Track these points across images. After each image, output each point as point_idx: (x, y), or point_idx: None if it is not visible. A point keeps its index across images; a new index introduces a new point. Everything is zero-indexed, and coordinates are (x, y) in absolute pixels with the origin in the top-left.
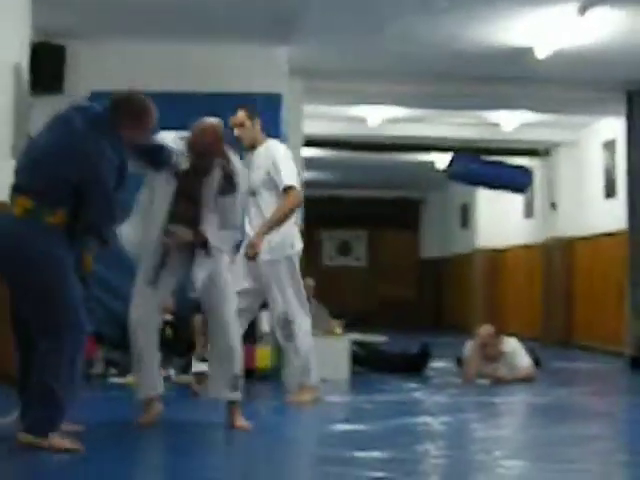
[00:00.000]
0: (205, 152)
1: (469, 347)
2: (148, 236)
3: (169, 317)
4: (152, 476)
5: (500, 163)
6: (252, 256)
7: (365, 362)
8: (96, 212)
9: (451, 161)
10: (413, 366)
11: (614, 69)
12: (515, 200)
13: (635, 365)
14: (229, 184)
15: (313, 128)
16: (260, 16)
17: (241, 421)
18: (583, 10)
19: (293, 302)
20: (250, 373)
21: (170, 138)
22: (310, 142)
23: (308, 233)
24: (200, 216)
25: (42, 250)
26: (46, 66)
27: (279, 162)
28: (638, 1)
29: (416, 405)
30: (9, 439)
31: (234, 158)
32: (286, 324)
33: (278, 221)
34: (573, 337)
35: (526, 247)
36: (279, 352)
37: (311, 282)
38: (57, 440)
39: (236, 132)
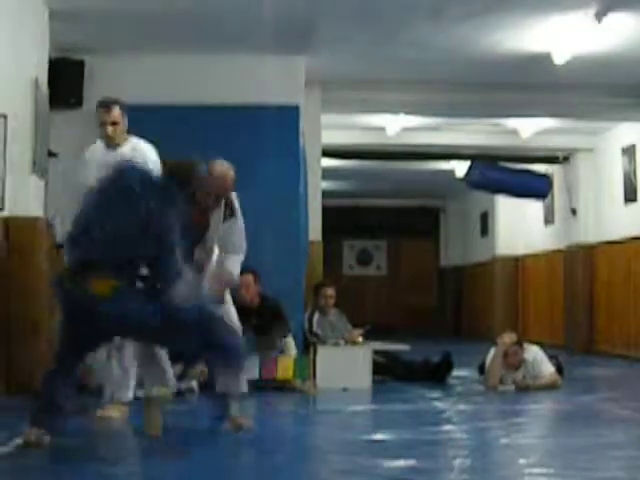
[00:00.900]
0: (224, 195)
1: (491, 355)
2: None
3: None
4: None
5: (519, 170)
6: None
7: (387, 371)
8: (168, 276)
9: (469, 169)
10: (435, 375)
11: (632, 74)
12: (535, 207)
13: None
14: (230, 211)
15: (331, 138)
16: (276, 27)
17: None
18: (600, 16)
19: None
20: (272, 383)
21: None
22: (329, 152)
23: (328, 243)
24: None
25: (140, 318)
26: (65, 81)
27: (150, 162)
28: None
29: (439, 414)
30: None
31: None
32: None
33: None
34: (596, 344)
35: (547, 254)
36: (301, 362)
37: (332, 291)
38: None
39: (109, 130)
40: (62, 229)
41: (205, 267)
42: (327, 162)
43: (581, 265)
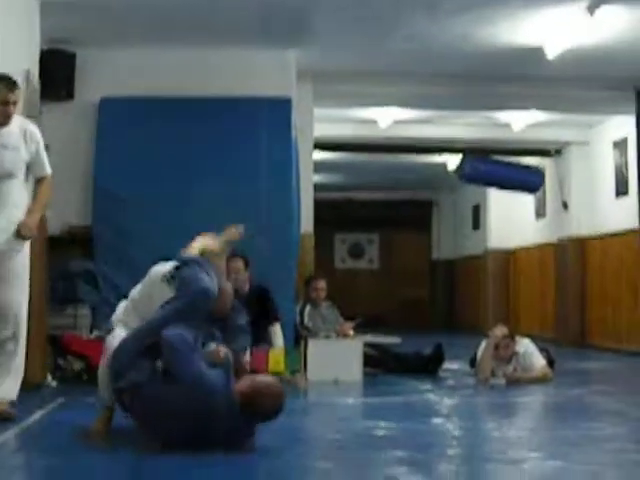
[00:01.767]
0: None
1: (483, 348)
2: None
3: None
4: None
5: (511, 163)
6: (28, 237)
7: (378, 363)
8: None
9: (461, 162)
10: (427, 367)
11: (624, 67)
12: (526, 200)
13: None
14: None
15: (323, 131)
16: (268, 20)
17: None
18: (592, 9)
19: (24, 303)
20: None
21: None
22: (321, 145)
23: (319, 236)
24: None
25: None
26: (56, 73)
27: (41, 147)
28: None
29: (430, 406)
30: None
31: None
32: (17, 328)
33: (44, 208)
34: (587, 337)
35: (538, 247)
36: (292, 355)
37: (323, 284)
38: None
39: (11, 110)
40: None
41: None
42: (319, 155)
43: (573, 258)
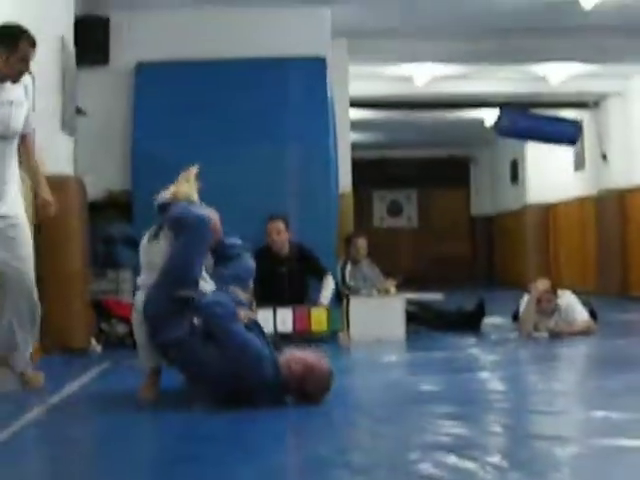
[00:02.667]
0: None
1: (525, 302)
2: None
3: None
4: None
5: (548, 117)
6: (50, 215)
7: (421, 320)
8: None
9: (499, 117)
10: (469, 323)
11: None
12: (565, 153)
13: None
14: None
15: (359, 89)
16: None
17: None
18: None
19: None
20: (306, 336)
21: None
22: (357, 103)
23: (358, 195)
24: None
25: None
26: (91, 38)
27: (30, 101)
28: None
29: (474, 361)
30: None
31: None
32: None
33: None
34: (629, 288)
35: (578, 200)
36: (334, 313)
37: (363, 242)
38: None
39: (30, 67)
40: None
41: None
42: (355, 113)
43: (613, 210)
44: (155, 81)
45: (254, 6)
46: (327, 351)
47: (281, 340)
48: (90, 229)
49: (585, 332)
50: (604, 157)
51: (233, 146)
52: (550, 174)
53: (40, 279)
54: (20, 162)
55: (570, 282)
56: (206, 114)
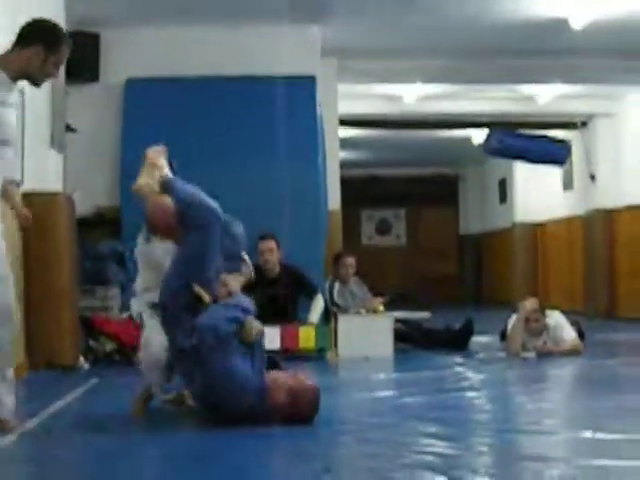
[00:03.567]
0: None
1: (513, 321)
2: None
3: None
4: None
5: (537, 136)
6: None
7: (408, 339)
8: None
9: (488, 136)
10: (457, 342)
11: None
12: (553, 173)
13: None
14: None
15: (348, 108)
16: None
17: None
18: None
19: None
20: (294, 353)
21: None
22: (346, 122)
23: (346, 213)
24: None
25: None
26: (81, 55)
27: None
28: None
29: (462, 380)
30: None
31: None
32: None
33: None
34: (616, 309)
35: (566, 220)
36: (322, 331)
37: (352, 261)
38: None
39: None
40: None
41: None
42: (344, 132)
43: (601, 230)
44: (144, 98)
45: (244, 24)
46: (315, 369)
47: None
48: (79, 245)
49: (573, 352)
50: (592, 177)
51: (222, 163)
52: (539, 193)
53: (28, 295)
54: None
55: (558, 302)
56: (195, 131)
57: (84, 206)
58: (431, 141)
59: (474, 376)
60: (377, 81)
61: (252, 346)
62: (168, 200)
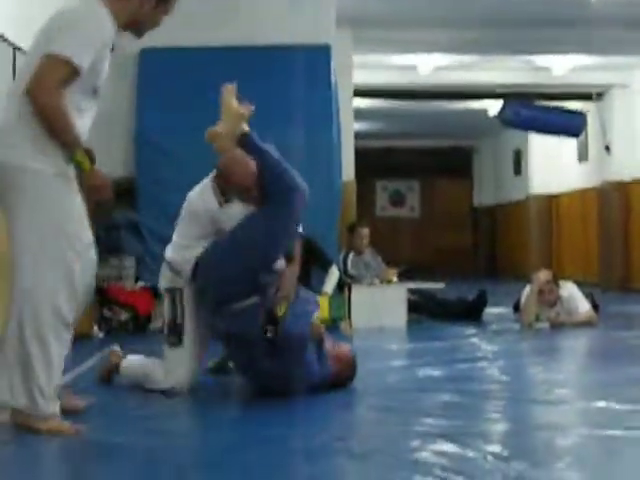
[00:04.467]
0: None
1: (526, 292)
2: None
3: None
4: None
5: (553, 108)
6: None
7: (422, 309)
8: None
9: (503, 107)
10: (470, 313)
11: None
12: (568, 144)
13: None
14: None
15: (363, 78)
16: None
17: None
18: None
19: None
20: None
21: None
22: (360, 92)
23: (360, 184)
24: None
25: None
26: None
27: None
28: None
29: (475, 351)
30: None
31: None
32: None
33: None
34: (631, 281)
35: (581, 192)
36: (336, 302)
37: (366, 231)
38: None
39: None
40: None
41: None
42: (359, 102)
43: (616, 202)
44: (159, 68)
45: None
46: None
47: None
48: (93, 216)
49: (586, 323)
50: (607, 149)
51: None
52: (553, 165)
53: None
54: None
55: (572, 274)
56: (210, 101)
57: None
58: (446, 112)
59: (487, 347)
60: (392, 51)
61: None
62: (248, 157)
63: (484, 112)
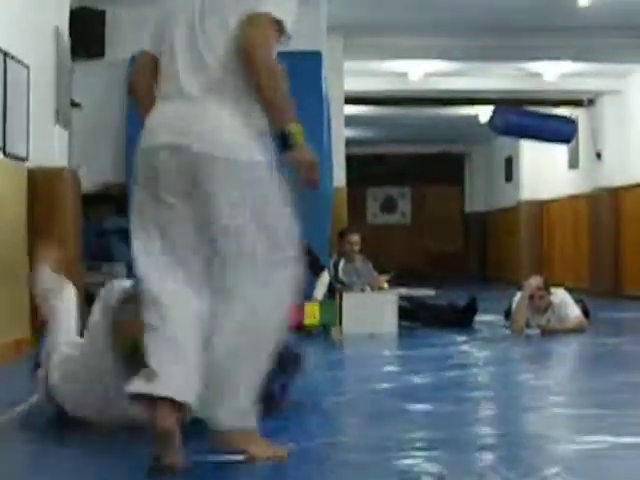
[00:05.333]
0: None
1: (517, 299)
2: None
3: None
4: None
5: (544, 114)
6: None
7: (413, 316)
8: None
9: (493, 114)
10: (461, 319)
11: None
12: (559, 151)
13: None
14: None
15: (354, 85)
16: None
17: None
18: None
19: None
20: (298, 329)
21: None
22: (351, 99)
23: (352, 191)
24: None
25: None
26: (86, 31)
27: None
28: None
29: (465, 358)
30: None
31: None
32: None
33: None
34: (622, 287)
35: (572, 198)
36: (327, 308)
37: (357, 238)
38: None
39: None
40: None
41: None
42: (350, 109)
43: (607, 209)
44: None
45: None
46: (319, 345)
47: None
48: (84, 222)
49: (577, 330)
50: (598, 155)
51: None
52: (544, 172)
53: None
54: None
55: (563, 280)
56: None
57: (89, 182)
58: (437, 119)
59: (478, 354)
60: (383, 58)
61: None
62: None
63: (475, 119)
